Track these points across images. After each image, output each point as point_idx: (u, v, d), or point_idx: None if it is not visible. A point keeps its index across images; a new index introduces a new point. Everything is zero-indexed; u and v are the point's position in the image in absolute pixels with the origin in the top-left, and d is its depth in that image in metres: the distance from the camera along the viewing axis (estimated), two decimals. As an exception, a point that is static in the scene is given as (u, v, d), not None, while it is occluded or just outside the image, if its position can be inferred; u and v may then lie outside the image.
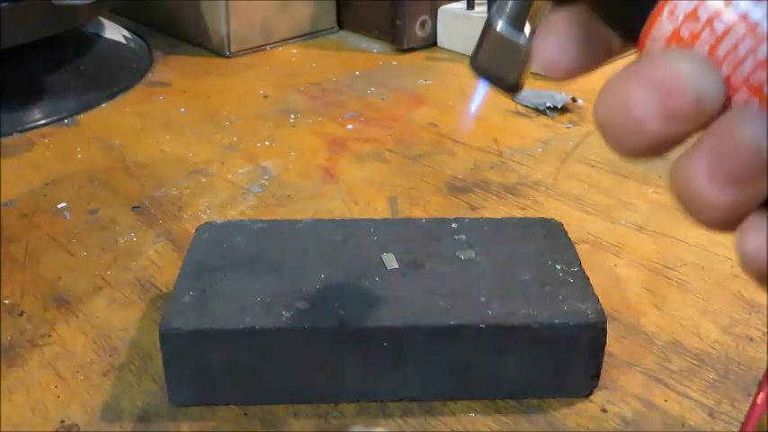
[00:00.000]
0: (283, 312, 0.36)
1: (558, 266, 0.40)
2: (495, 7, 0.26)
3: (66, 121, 0.70)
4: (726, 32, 0.19)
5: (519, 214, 0.54)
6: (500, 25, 0.26)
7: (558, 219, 0.44)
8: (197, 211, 0.55)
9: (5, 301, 0.45)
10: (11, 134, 0.67)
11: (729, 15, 0.19)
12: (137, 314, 0.44)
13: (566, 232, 0.43)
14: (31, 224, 0.54)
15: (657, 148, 0.20)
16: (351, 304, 0.37)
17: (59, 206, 0.56)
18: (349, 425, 0.37)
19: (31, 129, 0.68)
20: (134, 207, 0.56)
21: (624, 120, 0.19)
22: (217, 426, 0.37)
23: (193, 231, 0.43)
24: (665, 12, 0.20)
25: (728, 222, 0.19)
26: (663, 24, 0.20)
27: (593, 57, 0.22)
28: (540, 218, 0.45)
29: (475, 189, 0.58)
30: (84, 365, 0.41)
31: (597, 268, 0.47)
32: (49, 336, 0.43)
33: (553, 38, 0.22)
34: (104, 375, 0.40)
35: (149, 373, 0.40)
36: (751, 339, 0.42)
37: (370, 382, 0.37)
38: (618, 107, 0.19)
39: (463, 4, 0.86)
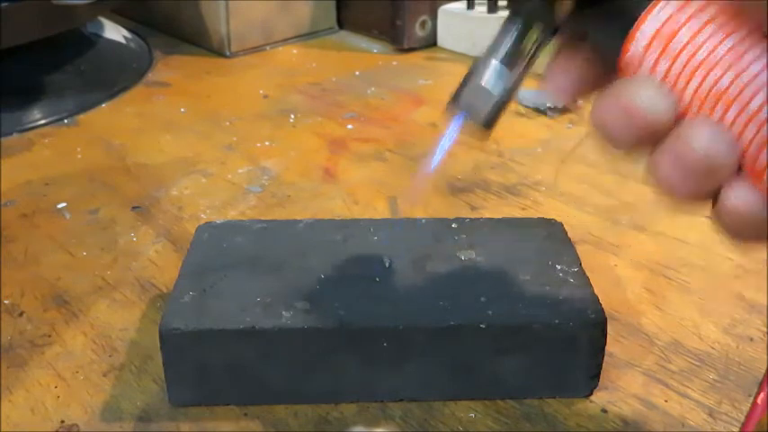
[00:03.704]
0: (283, 312, 0.36)
1: (558, 266, 0.40)
2: (484, 53, 0.30)
3: (66, 121, 0.70)
4: (678, 53, 0.24)
5: (519, 214, 0.54)
6: (486, 71, 0.29)
7: (559, 219, 0.44)
8: (197, 211, 0.55)
9: (5, 301, 0.45)
10: (11, 134, 0.67)
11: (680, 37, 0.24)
12: (137, 314, 0.44)
13: (566, 232, 0.43)
14: (31, 224, 0.54)
15: (638, 146, 0.25)
16: (351, 304, 0.37)
17: (59, 206, 0.56)
18: (349, 425, 0.37)
19: (31, 129, 0.68)
20: (134, 207, 0.56)
21: (607, 130, 0.25)
22: (217, 426, 0.37)
23: (193, 231, 0.43)
24: (637, 35, 0.25)
25: (697, 200, 0.25)
26: (636, 44, 0.25)
27: (593, 84, 0.28)
28: (540, 218, 0.45)
29: (475, 189, 0.58)
30: (84, 365, 0.41)
31: (597, 268, 0.47)
32: (49, 336, 0.43)
33: (560, 73, 0.28)
34: (104, 375, 0.40)
35: (149, 373, 0.40)
36: (751, 339, 0.42)
37: (370, 382, 0.37)
38: (601, 121, 0.25)
39: (463, 4, 0.86)
